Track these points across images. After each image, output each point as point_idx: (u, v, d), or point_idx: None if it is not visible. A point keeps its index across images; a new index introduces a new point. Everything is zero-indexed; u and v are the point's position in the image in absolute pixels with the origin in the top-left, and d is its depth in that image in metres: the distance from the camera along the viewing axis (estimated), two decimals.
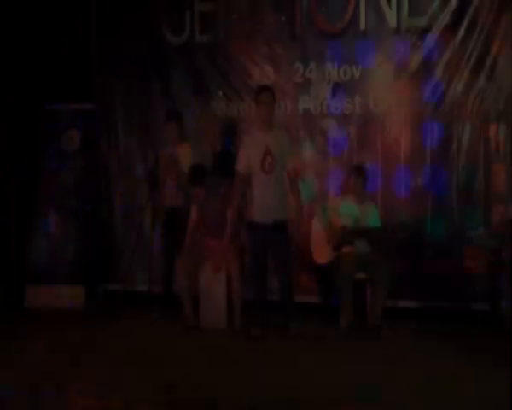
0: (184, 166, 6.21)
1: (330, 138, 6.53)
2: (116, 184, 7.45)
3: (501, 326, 5.54)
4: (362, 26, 6.35)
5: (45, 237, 7.36)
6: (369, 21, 6.32)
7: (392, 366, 4.60)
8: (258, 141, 5.40)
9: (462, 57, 6.03)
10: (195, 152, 6.48)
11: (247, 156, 5.43)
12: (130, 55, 7.33)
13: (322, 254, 5.98)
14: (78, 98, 7.41)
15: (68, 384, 4.15)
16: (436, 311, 6.04)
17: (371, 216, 5.89)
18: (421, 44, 6.15)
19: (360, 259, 5.78)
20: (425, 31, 6.14)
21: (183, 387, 4.15)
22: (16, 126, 7.34)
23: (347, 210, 5.92)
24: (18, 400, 3.96)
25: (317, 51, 6.54)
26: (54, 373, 4.43)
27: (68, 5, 7.46)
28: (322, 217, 5.93)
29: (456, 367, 4.58)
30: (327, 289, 6.36)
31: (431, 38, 6.11)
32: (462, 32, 6.02)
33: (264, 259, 5.41)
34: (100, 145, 7.50)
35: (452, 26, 6.05)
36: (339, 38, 6.47)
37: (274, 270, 5.54)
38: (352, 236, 5.78)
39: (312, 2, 6.53)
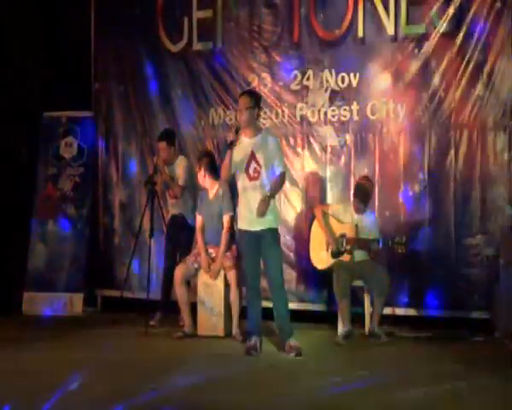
0: (181, 180, 6.28)
1: (328, 146, 6.53)
2: (114, 190, 7.46)
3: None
4: (360, 33, 6.35)
5: (43, 243, 7.35)
6: (367, 29, 6.32)
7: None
8: (242, 146, 5.19)
9: (459, 65, 6.03)
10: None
11: (230, 162, 5.15)
12: (128, 62, 7.35)
13: (320, 259, 5.98)
14: (76, 106, 7.42)
15: None
16: (433, 319, 6.04)
17: (371, 225, 5.89)
18: (418, 52, 6.15)
19: (358, 267, 5.79)
20: (422, 38, 6.14)
21: None
22: (14, 133, 7.35)
23: (347, 218, 5.92)
24: None
25: (315, 59, 6.55)
26: None
27: (66, 11, 7.48)
28: (322, 223, 5.92)
29: (456, 373, 4.56)
30: (326, 296, 6.38)
31: (428, 46, 6.11)
32: (459, 39, 6.02)
33: (256, 266, 5.34)
34: (98, 152, 7.52)
35: (450, 34, 6.05)
36: (337, 46, 6.48)
37: (267, 277, 5.45)
38: (350, 244, 5.78)
39: (310, 10, 6.54)
